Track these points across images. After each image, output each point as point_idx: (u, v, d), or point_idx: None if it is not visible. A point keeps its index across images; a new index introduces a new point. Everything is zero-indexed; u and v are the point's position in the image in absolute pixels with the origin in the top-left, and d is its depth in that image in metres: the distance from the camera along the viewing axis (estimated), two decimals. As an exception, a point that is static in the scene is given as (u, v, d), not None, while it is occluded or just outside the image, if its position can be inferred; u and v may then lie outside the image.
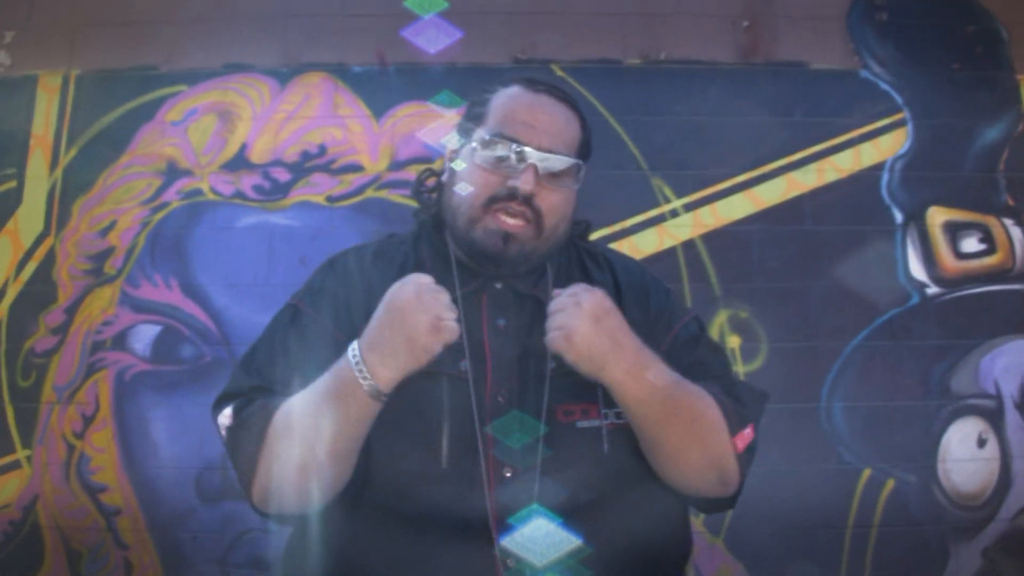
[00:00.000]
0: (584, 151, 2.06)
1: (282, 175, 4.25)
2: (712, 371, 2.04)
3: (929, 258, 4.17)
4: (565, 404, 1.93)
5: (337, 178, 4.25)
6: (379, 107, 4.32)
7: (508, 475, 1.88)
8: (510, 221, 1.93)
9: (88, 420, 4.10)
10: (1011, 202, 4.24)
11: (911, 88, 4.32)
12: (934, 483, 4.03)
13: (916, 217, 4.21)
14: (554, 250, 2.04)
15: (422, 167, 4.30)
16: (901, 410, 4.07)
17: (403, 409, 1.90)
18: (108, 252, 4.20)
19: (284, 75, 4.33)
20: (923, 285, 4.15)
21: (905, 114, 4.29)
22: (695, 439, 1.91)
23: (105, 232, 4.21)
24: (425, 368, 1.86)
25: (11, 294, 4.17)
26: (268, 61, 4.30)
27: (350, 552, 1.91)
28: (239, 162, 4.25)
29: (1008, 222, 4.21)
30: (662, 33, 4.39)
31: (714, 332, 4.09)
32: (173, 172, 4.23)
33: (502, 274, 2.00)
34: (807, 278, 4.17)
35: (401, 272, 1.99)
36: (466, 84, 4.35)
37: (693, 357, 2.05)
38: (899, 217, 4.21)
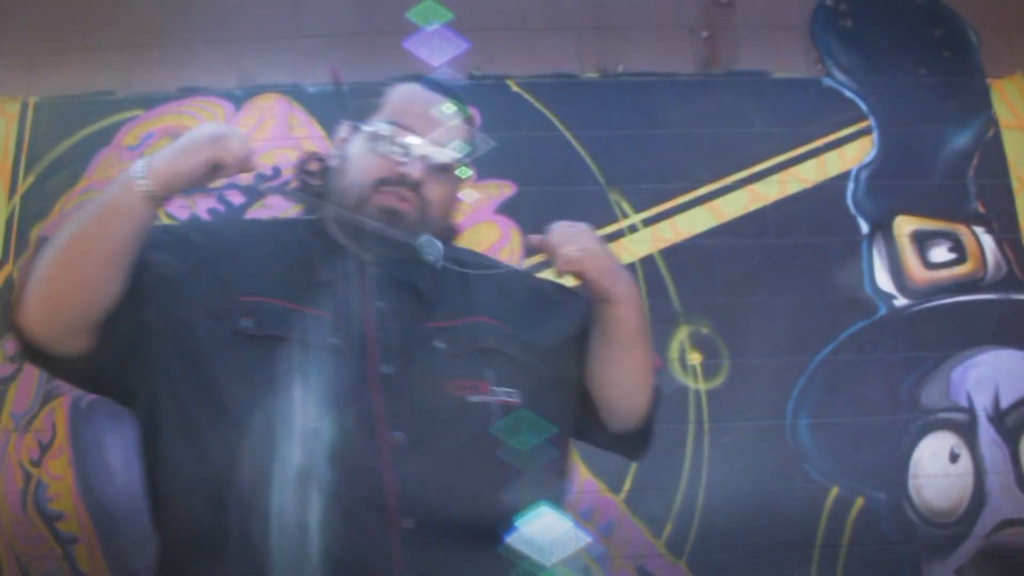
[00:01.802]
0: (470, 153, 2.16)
1: (236, 198, 4.19)
2: None
3: (897, 269, 4.02)
4: (457, 379, 1.98)
5: (291, 201, 4.19)
6: (334, 127, 4.26)
7: (399, 444, 1.89)
8: (398, 201, 2.02)
9: (45, 447, 4.04)
10: (982, 209, 4.08)
11: (876, 95, 4.18)
12: (905, 500, 3.86)
13: (883, 227, 4.06)
14: (433, 241, 2.08)
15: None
16: (869, 425, 3.92)
17: (275, 380, 1.88)
18: (67, 279, 4.16)
19: (239, 97, 4.28)
20: (891, 296, 4.00)
21: (871, 122, 4.15)
22: (644, 354, 2.11)
23: (64, 259, 4.17)
24: (295, 337, 1.89)
25: (-30, 322, 4.15)
26: (223, 83, 4.25)
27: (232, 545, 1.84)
28: (193, 185, 4.21)
29: (979, 230, 4.05)
30: (619, 46, 4.29)
31: (674, 349, 3.97)
32: (131, 197, 4.19)
33: (382, 258, 2.04)
34: (770, 292, 4.03)
35: (286, 253, 2.05)
36: (422, 102, 4.29)
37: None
38: (865, 227, 4.06)
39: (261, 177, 2.29)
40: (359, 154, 2.07)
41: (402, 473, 1.88)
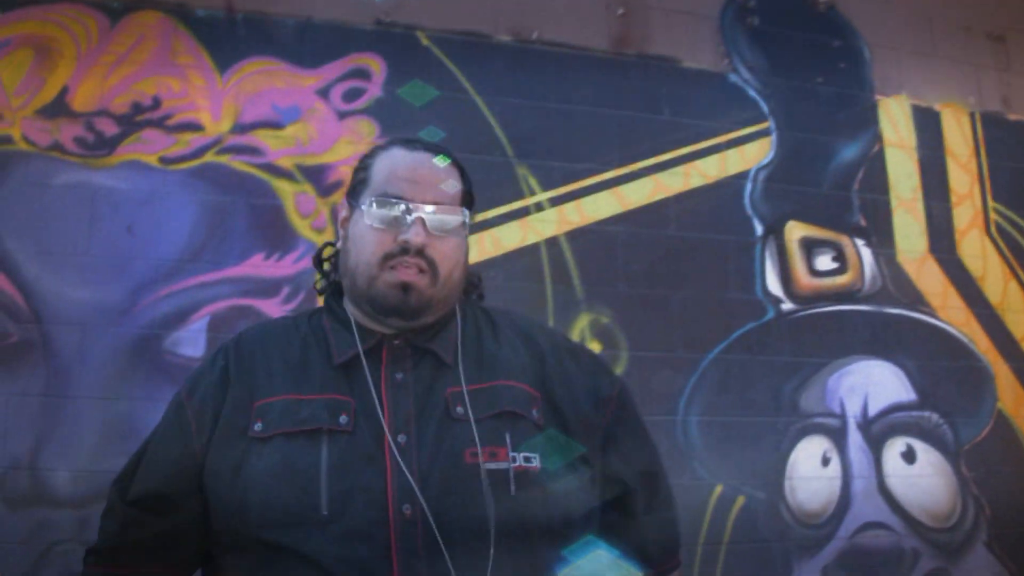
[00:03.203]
0: (467, 199, 2.13)
1: (109, 127, 3.66)
2: (644, 459, 2.16)
3: (785, 273, 4.11)
4: (472, 447, 1.95)
5: (173, 136, 3.71)
6: (224, 59, 3.80)
7: (408, 514, 1.89)
8: (406, 272, 2.01)
9: None
10: (863, 222, 4.26)
11: (776, 98, 4.23)
12: (781, 500, 4.01)
13: (775, 230, 4.14)
14: (452, 298, 2.10)
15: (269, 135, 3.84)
16: (753, 426, 4.02)
17: (282, 469, 1.92)
18: None
19: (116, 11, 3.73)
20: (779, 300, 4.09)
21: (770, 124, 4.21)
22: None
23: None
24: (305, 428, 1.93)
25: None
26: (97, -9, 3.70)
27: None
28: (58, 108, 3.63)
29: (859, 242, 4.23)
30: (535, 11, 4.09)
31: (575, 336, 3.89)
32: (-29, 110, 3.59)
33: (402, 329, 2.06)
34: (669, 286, 4.02)
35: (304, 344, 2.06)
36: (322, 42, 3.92)
37: (627, 438, 2.14)
38: (759, 229, 4.13)
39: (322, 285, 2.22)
40: (359, 233, 2.05)
41: (409, 548, 1.87)
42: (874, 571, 3.96)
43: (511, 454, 1.96)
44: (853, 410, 4.07)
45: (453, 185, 2.08)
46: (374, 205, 2.03)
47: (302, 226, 3.77)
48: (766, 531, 3.97)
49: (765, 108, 4.19)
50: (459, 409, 1.99)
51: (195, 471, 2.01)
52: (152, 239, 3.62)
